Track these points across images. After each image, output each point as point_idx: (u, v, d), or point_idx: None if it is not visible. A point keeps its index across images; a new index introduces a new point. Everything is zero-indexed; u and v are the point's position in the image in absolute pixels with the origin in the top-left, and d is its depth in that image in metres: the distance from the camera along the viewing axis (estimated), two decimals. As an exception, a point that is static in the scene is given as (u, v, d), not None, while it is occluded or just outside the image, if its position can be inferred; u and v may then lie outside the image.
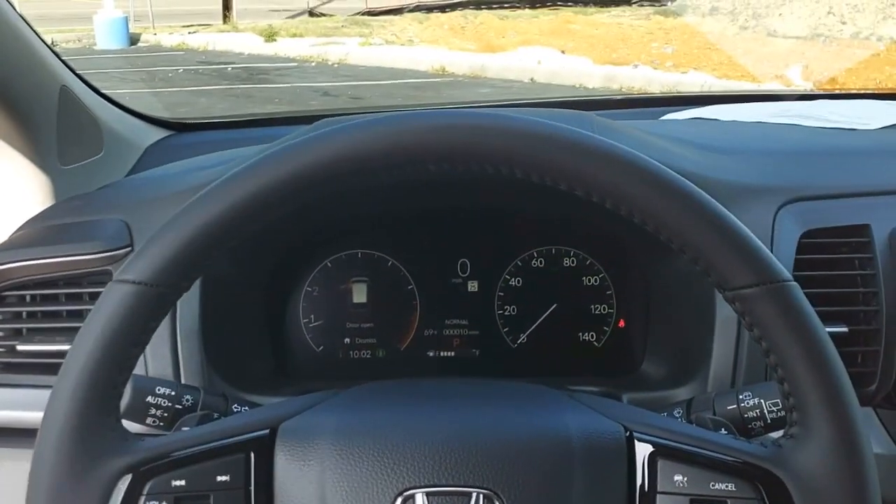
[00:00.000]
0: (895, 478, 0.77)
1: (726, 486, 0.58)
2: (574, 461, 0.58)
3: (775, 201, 0.88)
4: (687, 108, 1.37)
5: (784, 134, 1.13)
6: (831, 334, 0.81)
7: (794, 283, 0.60)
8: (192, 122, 1.42)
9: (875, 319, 0.83)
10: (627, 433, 0.60)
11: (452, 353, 1.01)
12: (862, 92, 1.63)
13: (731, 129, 1.18)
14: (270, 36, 10.06)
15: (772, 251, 0.86)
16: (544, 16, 11.21)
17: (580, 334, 1.00)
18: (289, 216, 0.55)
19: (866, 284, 0.85)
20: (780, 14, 10.28)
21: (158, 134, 1.32)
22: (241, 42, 10.14)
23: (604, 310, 1.00)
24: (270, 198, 0.57)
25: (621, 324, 1.00)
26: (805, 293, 0.84)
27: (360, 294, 1.00)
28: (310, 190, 0.57)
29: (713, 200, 0.59)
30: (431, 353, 1.01)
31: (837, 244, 0.87)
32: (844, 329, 0.82)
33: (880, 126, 1.20)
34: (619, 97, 1.50)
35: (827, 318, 0.83)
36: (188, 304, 0.84)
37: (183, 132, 1.37)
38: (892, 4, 9.66)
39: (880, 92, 1.90)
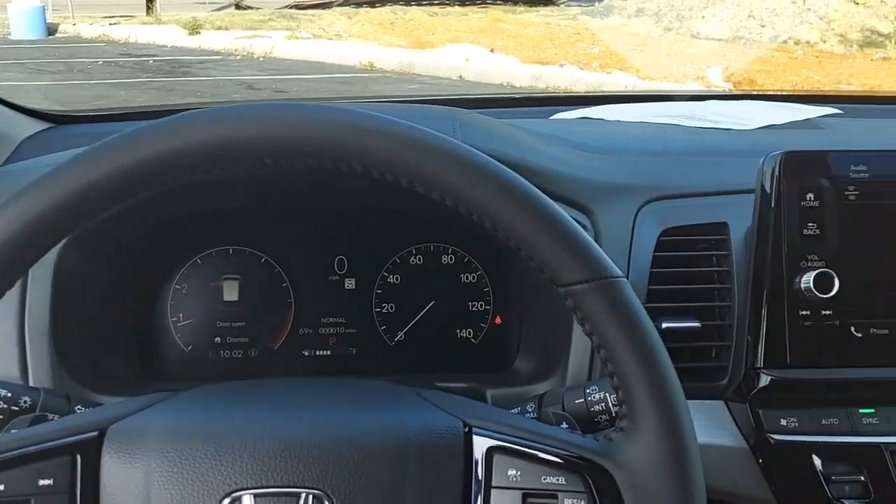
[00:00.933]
0: (745, 469, 0.79)
1: (557, 480, 0.59)
2: (409, 458, 0.58)
3: (637, 200, 0.90)
4: (578, 108, 1.40)
5: (661, 134, 1.15)
6: (683, 329, 0.84)
7: (624, 279, 0.61)
8: (75, 114, 1.37)
9: (729, 315, 0.85)
10: (466, 429, 0.61)
11: (328, 352, 1.00)
12: (754, 93, 1.69)
13: (611, 129, 1.21)
14: (195, 28, 9.84)
15: (631, 248, 0.88)
16: (474, 14, 11.25)
17: (458, 331, 1.01)
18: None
19: (722, 281, 0.87)
20: (703, 17, 10.55)
21: (36, 126, 1.27)
22: (165, 34, 9.89)
23: (481, 307, 1.01)
24: (83, 201, 0.55)
25: (497, 320, 1.01)
26: (661, 289, 0.87)
27: (231, 292, 0.98)
28: (128, 189, 0.55)
29: (546, 198, 0.60)
30: (306, 353, 1.00)
31: (696, 241, 0.89)
32: (697, 324, 0.84)
33: (757, 126, 1.24)
34: (517, 96, 1.53)
35: (681, 314, 0.86)
36: (38, 302, 0.81)
37: (64, 125, 1.32)
38: (808, 10, 10.00)
39: (777, 94, 1.96)
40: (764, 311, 0.80)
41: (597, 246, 0.61)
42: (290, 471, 0.57)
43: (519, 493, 0.59)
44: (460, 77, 7.83)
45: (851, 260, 0.81)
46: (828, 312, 0.80)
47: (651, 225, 0.89)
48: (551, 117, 1.36)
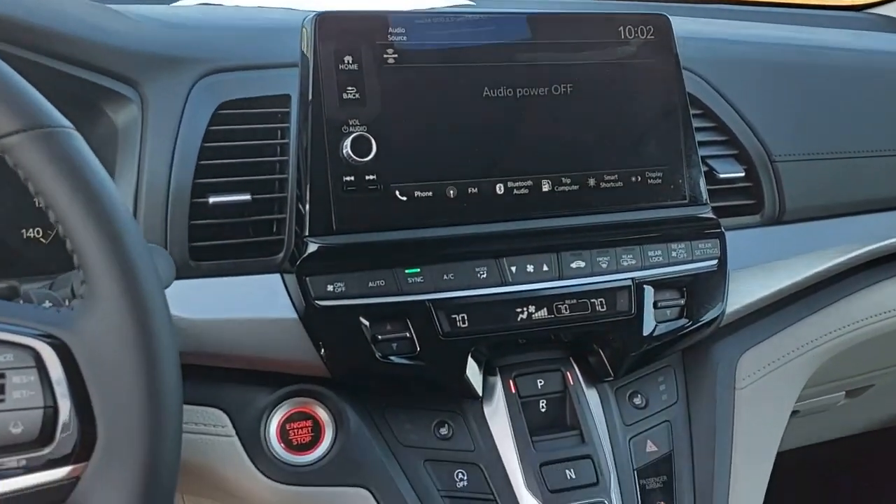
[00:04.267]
0: (297, 338, 0.79)
1: (4, 358, 0.54)
2: None
3: (192, 72, 0.84)
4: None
5: (254, 12, 1.09)
6: (232, 203, 0.81)
7: (70, 130, 0.55)
8: None
9: (285, 187, 0.84)
10: None
11: None
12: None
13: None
14: None
15: (182, 122, 0.83)
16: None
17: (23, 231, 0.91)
18: None
19: (282, 153, 0.85)
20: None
21: None
22: None
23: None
24: None
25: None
26: (213, 164, 0.83)
27: None
28: None
29: None
30: None
31: (255, 115, 0.86)
32: (247, 197, 0.81)
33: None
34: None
35: (234, 188, 0.83)
36: None
37: None
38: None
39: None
40: (308, 179, 0.79)
41: (35, 92, 0.55)
42: None
43: None
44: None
45: (391, 124, 0.81)
46: (371, 177, 0.80)
47: (206, 98, 0.84)
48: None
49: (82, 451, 0.55)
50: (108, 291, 0.55)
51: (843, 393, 1.21)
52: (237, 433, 0.78)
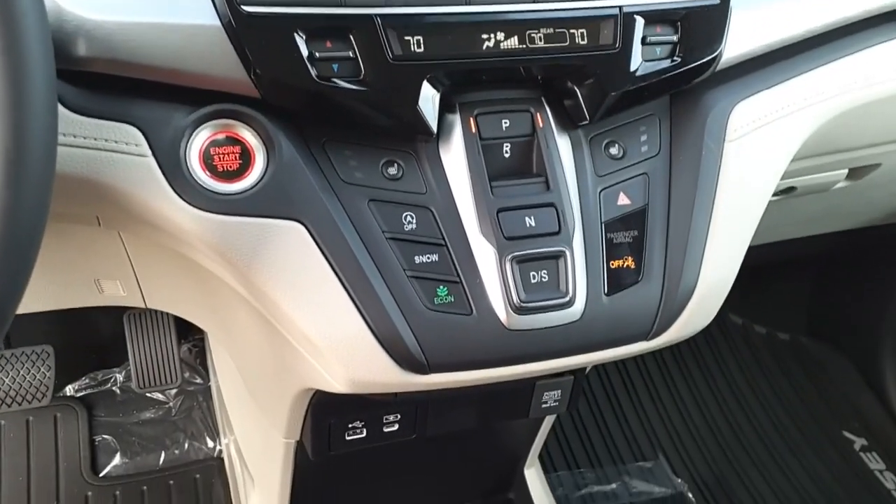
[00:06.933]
0: (220, 49, 0.68)
1: None
2: None
3: None
4: None
5: None
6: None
7: None
8: None
9: None
10: None
11: None
12: None
13: None
14: None
15: None
16: None
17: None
18: None
19: None
20: None
21: None
22: None
23: None
24: None
25: None
26: None
27: None
28: None
29: None
30: None
31: None
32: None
33: None
34: None
35: None
36: None
37: None
38: None
39: None
40: None
41: None
42: None
43: None
44: None
45: None
46: None
47: None
48: None
49: None
50: None
51: (846, 171, 1.12)
52: (153, 153, 0.69)
